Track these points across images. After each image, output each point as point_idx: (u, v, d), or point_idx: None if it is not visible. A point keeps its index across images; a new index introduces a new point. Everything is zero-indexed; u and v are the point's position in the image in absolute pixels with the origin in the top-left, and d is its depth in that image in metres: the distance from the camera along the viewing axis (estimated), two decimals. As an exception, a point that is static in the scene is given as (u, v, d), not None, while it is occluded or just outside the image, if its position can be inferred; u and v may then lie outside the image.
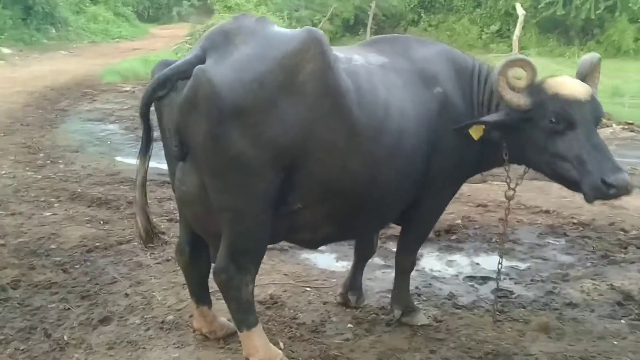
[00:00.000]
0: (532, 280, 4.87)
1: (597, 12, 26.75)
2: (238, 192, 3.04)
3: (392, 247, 5.14)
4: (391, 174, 3.29)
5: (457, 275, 4.95)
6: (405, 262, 4.00)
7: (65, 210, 6.28)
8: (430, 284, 4.74)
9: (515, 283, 4.83)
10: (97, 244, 5.26)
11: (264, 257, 4.32)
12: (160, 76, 3.08)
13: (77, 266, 4.80)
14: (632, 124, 12.67)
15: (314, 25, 27.20)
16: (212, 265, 3.41)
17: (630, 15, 27.02)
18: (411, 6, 29.97)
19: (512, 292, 4.64)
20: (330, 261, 5.21)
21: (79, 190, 7.07)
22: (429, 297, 4.51)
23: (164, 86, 3.07)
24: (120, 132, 11.07)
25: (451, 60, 3.63)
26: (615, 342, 3.79)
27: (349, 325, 3.99)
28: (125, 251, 5.15)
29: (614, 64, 24.32)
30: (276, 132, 2.97)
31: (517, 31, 14.57)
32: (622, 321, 4.12)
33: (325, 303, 4.29)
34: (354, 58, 3.30)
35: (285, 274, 4.79)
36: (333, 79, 3.03)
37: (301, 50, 3.00)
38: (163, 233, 4.36)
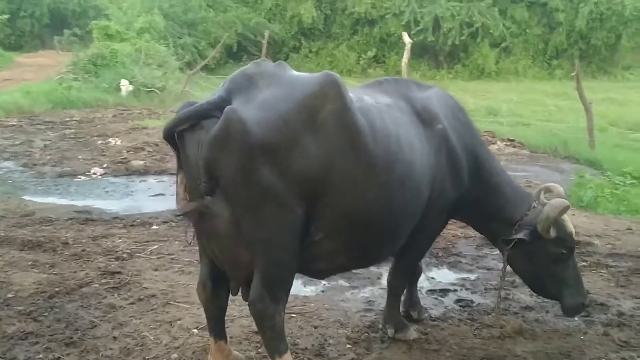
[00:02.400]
0: (485, 289, 5.35)
1: (462, 38, 29.13)
2: (270, 223, 3.20)
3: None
4: (403, 203, 3.61)
5: (419, 290, 5.30)
6: (399, 285, 4.32)
7: (0, 256, 5.91)
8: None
9: (472, 293, 5.28)
10: (57, 289, 5.02)
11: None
12: (184, 113, 3.22)
13: (45, 314, 4.56)
14: (513, 140, 13.96)
15: (199, 51, 27.21)
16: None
17: (491, 41, 29.68)
18: (292, 33, 30.78)
19: (472, 301, 5.08)
20: (299, 287, 5.36)
21: (2, 234, 6.65)
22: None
23: (185, 122, 3.21)
24: (19, 170, 10.47)
25: (445, 101, 4.07)
26: (582, 337, 4.31)
27: (348, 345, 4.18)
28: (90, 294, 4.97)
29: (479, 85, 26.32)
30: (300, 166, 3.18)
31: (405, 58, 15.52)
32: (576, 319, 4.67)
33: (315, 327, 4.45)
34: (364, 98, 3.59)
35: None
36: (350, 117, 3.31)
37: (321, 92, 3.26)
38: None
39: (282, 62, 3.57)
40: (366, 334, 4.35)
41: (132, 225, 7.20)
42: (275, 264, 3.31)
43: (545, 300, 5.01)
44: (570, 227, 4.17)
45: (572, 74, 14.64)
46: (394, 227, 3.68)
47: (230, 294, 3.64)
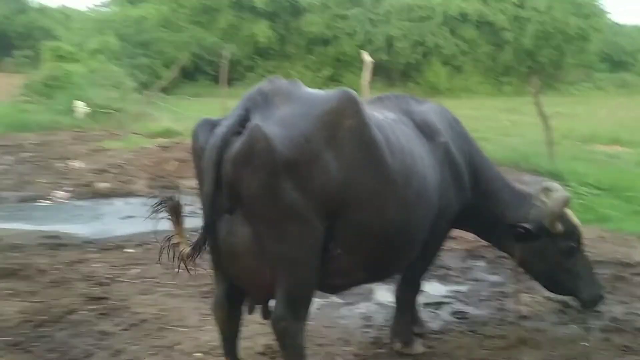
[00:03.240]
0: (479, 300, 5.39)
1: (415, 56, 29.79)
2: (293, 240, 3.16)
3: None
4: (419, 216, 3.63)
5: (414, 304, 5.30)
6: (409, 297, 4.32)
7: (-26, 286, 5.61)
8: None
9: (466, 305, 5.31)
10: (43, 317, 4.78)
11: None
12: (224, 136, 3.15)
13: (36, 344, 4.33)
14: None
15: (154, 72, 26.85)
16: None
17: (442, 59, 30.42)
18: (247, 53, 30.77)
19: (468, 313, 5.11)
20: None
21: (-29, 263, 6.33)
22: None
23: (227, 144, 3.14)
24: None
25: (442, 114, 4.12)
26: (585, 344, 4.38)
27: (357, 362, 4.13)
28: (79, 321, 4.76)
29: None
30: (321, 182, 3.16)
31: (367, 77, 15.66)
32: (574, 326, 4.75)
33: (320, 345, 4.38)
34: (375, 114, 3.59)
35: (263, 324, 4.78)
36: (368, 133, 3.31)
37: (339, 108, 3.26)
38: None
39: (296, 79, 3.56)
40: (373, 350, 4.31)
41: (106, 250, 6.97)
42: (299, 282, 3.26)
43: (539, 309, 5.12)
44: (575, 219, 4.32)
45: (531, 89, 15.07)
46: (410, 240, 3.69)
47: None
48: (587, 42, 31.19)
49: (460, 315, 5.05)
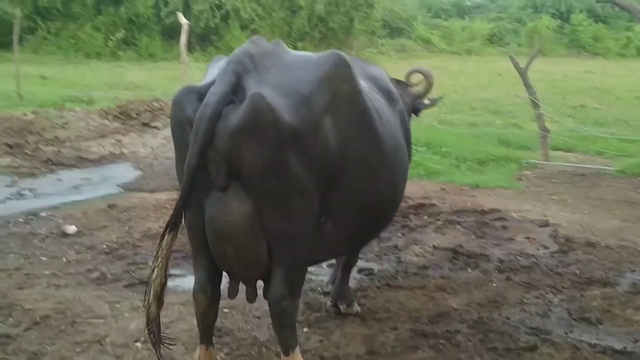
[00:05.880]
0: (376, 256, 5.65)
1: (215, 20, 29.15)
2: (296, 216, 3.01)
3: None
4: (402, 187, 3.67)
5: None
6: (353, 260, 4.38)
7: None
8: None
9: (366, 262, 5.52)
10: None
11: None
12: (217, 105, 2.84)
13: None
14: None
15: None
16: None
17: (241, 23, 30.22)
18: (25, 13, 27.35)
19: (373, 269, 5.34)
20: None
21: None
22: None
23: (218, 116, 2.84)
24: None
25: (390, 80, 4.16)
26: (495, 285, 4.87)
27: (305, 329, 4.10)
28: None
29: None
30: (322, 152, 3.04)
31: (184, 40, 15.02)
32: (470, 270, 5.24)
33: (259, 318, 4.26)
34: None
35: (182, 304, 4.50)
36: (362, 99, 3.25)
37: (335, 73, 3.13)
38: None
39: (278, 40, 3.32)
40: (315, 315, 4.31)
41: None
42: (299, 259, 3.14)
43: (432, 257, 5.54)
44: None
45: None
46: (393, 211, 3.77)
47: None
48: (372, 9, 33.35)
49: (367, 272, 5.25)
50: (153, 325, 3.13)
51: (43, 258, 5.45)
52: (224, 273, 3.27)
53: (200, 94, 2.95)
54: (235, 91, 2.90)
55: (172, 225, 2.99)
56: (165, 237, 3.01)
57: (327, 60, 3.18)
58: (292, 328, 3.24)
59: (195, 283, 3.27)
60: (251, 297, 3.31)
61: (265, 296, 3.20)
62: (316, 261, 3.69)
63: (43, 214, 6.65)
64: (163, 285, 3.14)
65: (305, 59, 3.26)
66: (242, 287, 3.35)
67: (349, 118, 3.17)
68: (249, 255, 3.06)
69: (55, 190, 7.78)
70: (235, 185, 2.91)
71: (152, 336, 3.16)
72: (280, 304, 3.10)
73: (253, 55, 3.06)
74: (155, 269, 3.07)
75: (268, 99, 2.83)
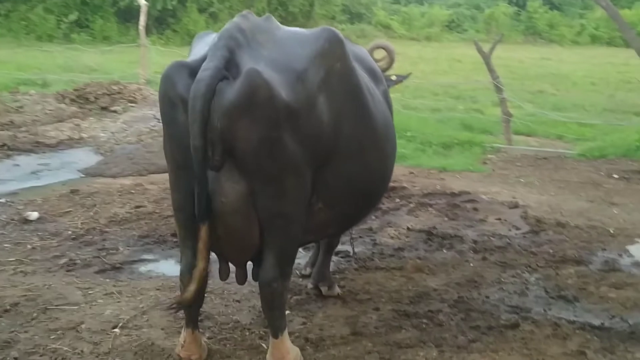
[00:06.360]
0: (352, 238, 5.61)
1: (172, 2, 28.53)
2: (290, 195, 2.95)
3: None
4: (392, 168, 3.63)
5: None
6: (335, 242, 4.36)
7: None
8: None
9: (342, 244, 5.46)
10: None
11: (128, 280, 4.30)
12: (211, 81, 2.72)
13: None
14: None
15: None
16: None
17: (199, 6, 29.68)
18: (-28, -7, 26.26)
19: (348, 252, 5.30)
20: (176, 267, 4.90)
21: None
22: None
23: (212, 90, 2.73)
24: None
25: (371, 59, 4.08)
26: (471, 265, 4.89)
27: (287, 312, 4.01)
28: None
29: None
30: (315, 131, 2.98)
31: (142, 21, 14.73)
32: (445, 251, 5.26)
33: (237, 302, 4.18)
34: None
35: (158, 289, 4.38)
36: (355, 77, 3.20)
37: (330, 49, 3.07)
38: None
39: (269, 15, 3.22)
40: (296, 298, 4.25)
41: None
42: (291, 239, 3.08)
43: (406, 240, 5.54)
44: None
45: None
46: (383, 192, 3.72)
47: None
48: (332, -6, 33.31)
49: (343, 254, 5.21)
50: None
51: (6, 245, 5.22)
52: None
53: (191, 69, 2.84)
54: (229, 67, 2.80)
55: (203, 215, 2.85)
56: (202, 229, 2.87)
57: (320, 36, 3.12)
58: (282, 310, 3.18)
59: (182, 265, 3.16)
60: (241, 278, 3.24)
61: (254, 278, 3.13)
62: (304, 243, 3.64)
63: (2, 200, 6.38)
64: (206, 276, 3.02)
65: (298, 35, 3.18)
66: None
67: (342, 96, 3.12)
68: (241, 237, 2.98)
69: (13, 176, 7.47)
70: (229, 165, 2.83)
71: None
72: (271, 285, 3.04)
73: (245, 30, 2.96)
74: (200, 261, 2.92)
75: (264, 74, 2.74)
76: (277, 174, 2.89)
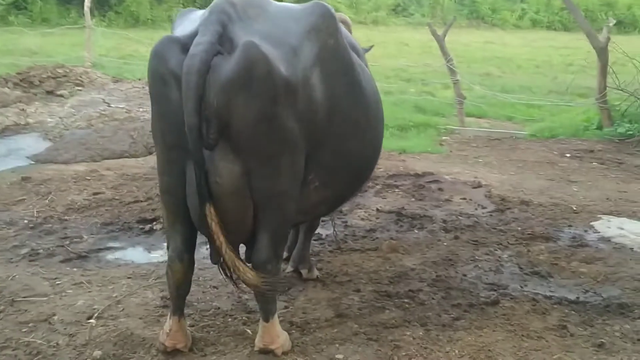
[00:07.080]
0: (333, 219, 5.53)
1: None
2: (287, 174, 2.88)
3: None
4: (381, 146, 3.58)
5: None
6: (316, 224, 4.29)
7: None
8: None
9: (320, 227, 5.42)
10: None
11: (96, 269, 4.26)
12: (205, 56, 2.60)
13: None
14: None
15: None
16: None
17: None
18: None
19: (321, 235, 5.23)
20: (145, 255, 4.78)
21: None
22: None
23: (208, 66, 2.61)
24: None
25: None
26: (445, 244, 4.92)
27: (268, 296, 3.95)
28: None
29: (135, 33, 25.65)
30: (310, 107, 2.92)
31: (87, 2, 14.18)
32: (417, 231, 5.28)
33: (216, 288, 4.07)
34: None
35: (129, 277, 4.22)
36: (348, 54, 3.16)
37: (323, 25, 3.02)
38: None
39: None
40: (276, 282, 4.17)
41: None
42: (285, 221, 3.01)
43: (379, 220, 5.54)
44: None
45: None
46: (372, 170, 3.71)
47: None
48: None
49: (315, 237, 5.15)
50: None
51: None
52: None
53: (183, 44, 2.72)
54: (222, 42, 2.68)
55: (205, 195, 2.72)
56: (208, 209, 2.74)
57: (313, 11, 3.05)
58: (274, 290, 3.10)
59: (170, 251, 3.05)
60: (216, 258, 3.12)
61: (247, 260, 3.04)
62: (296, 224, 3.57)
63: (-53, 188, 6.03)
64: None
65: (289, 9, 3.11)
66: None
67: (336, 72, 3.08)
68: (235, 219, 2.88)
69: (-43, 163, 7.09)
70: (223, 144, 2.73)
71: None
72: (266, 267, 2.97)
73: (236, 4, 2.86)
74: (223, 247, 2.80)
75: (262, 48, 2.65)
76: (274, 153, 2.81)
